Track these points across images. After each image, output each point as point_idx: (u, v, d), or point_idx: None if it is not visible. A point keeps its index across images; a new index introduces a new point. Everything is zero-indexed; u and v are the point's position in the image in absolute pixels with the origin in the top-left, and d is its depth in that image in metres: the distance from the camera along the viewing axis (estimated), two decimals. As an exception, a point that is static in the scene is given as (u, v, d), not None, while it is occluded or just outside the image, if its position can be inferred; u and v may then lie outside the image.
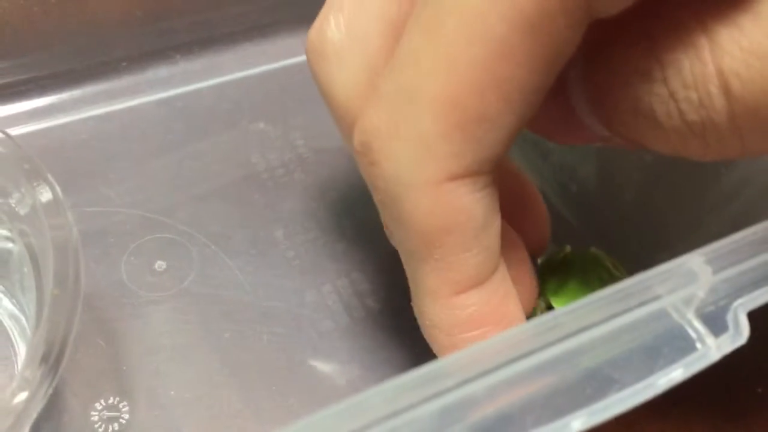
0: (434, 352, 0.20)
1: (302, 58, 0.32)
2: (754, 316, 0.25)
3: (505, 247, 0.20)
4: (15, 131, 0.29)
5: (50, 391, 0.17)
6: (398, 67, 0.16)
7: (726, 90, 0.14)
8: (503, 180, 0.22)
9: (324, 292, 0.26)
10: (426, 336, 0.20)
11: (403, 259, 0.19)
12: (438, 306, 0.19)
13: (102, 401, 0.23)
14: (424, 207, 0.17)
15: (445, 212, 0.17)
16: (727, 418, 0.24)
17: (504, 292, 0.19)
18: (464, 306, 0.18)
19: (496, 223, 0.18)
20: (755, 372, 0.25)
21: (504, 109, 0.16)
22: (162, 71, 0.31)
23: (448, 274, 0.18)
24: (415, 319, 0.20)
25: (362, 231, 0.28)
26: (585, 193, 0.28)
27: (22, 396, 0.16)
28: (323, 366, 0.25)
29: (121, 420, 0.23)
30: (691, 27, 0.14)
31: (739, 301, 0.16)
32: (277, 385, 0.24)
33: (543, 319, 0.14)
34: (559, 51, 0.15)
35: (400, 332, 0.26)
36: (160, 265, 0.26)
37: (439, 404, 0.13)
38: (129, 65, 0.31)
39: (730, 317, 0.15)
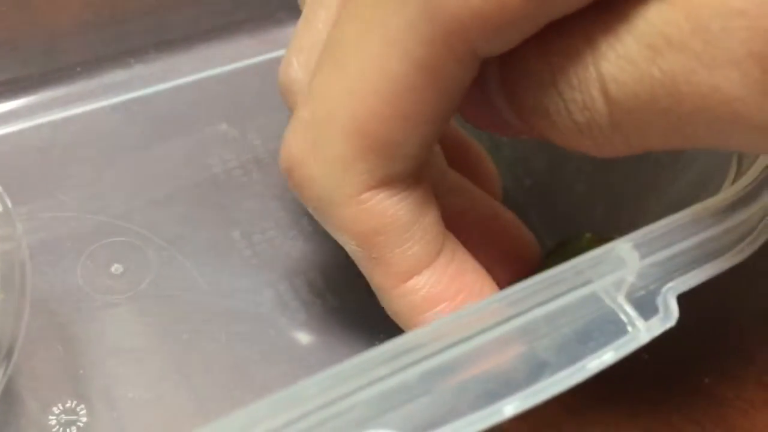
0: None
1: (259, 59, 0.33)
2: (697, 308, 0.26)
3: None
4: None
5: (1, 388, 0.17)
6: (312, 97, 0.18)
7: (605, 93, 0.15)
8: (449, 146, 0.24)
9: (281, 290, 0.26)
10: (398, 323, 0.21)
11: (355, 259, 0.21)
12: (391, 297, 0.20)
13: (59, 405, 0.23)
14: (349, 217, 0.19)
15: (369, 219, 0.19)
16: (674, 409, 0.24)
17: (455, 268, 0.20)
18: (414, 291, 0.20)
19: (429, 216, 0.19)
20: (702, 363, 0.25)
21: (410, 134, 0.17)
22: (117, 76, 0.31)
23: (389, 269, 0.19)
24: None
25: (319, 229, 0.28)
26: (538, 185, 0.28)
27: None
28: (281, 364, 0.25)
29: (78, 423, 0.23)
30: (577, 34, 0.15)
31: (669, 285, 0.16)
32: (236, 384, 0.24)
33: (475, 306, 0.15)
34: (457, 85, 0.16)
35: (359, 329, 0.26)
36: (116, 268, 0.26)
37: (369, 394, 0.13)
38: (84, 70, 0.31)
39: (660, 301, 0.16)
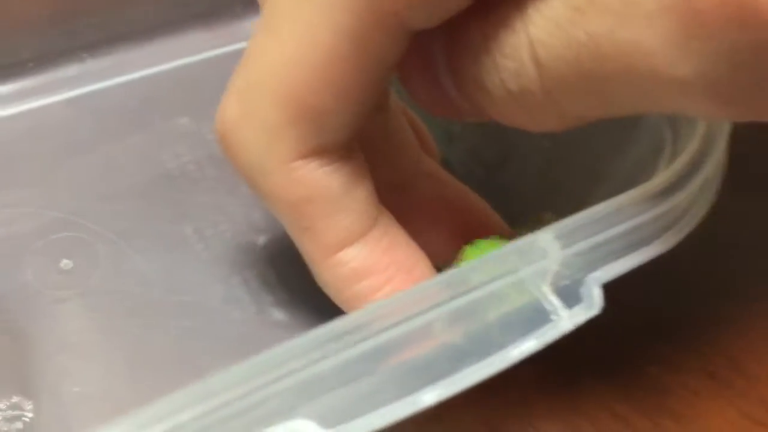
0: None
1: (212, 53, 0.33)
2: (643, 297, 0.26)
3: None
4: None
5: None
6: (246, 64, 0.18)
7: (535, 58, 0.15)
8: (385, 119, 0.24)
9: (233, 284, 0.26)
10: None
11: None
12: (321, 268, 0.20)
13: (5, 400, 0.23)
14: (280, 185, 0.19)
15: (299, 187, 0.19)
16: (620, 398, 0.25)
17: (388, 242, 0.20)
18: (344, 263, 0.20)
19: (361, 189, 0.20)
20: (647, 352, 0.26)
21: (341, 103, 0.17)
22: (70, 70, 0.31)
23: (320, 239, 0.20)
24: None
25: (271, 223, 0.28)
26: (490, 175, 0.29)
27: None
28: (232, 358, 0.25)
29: (24, 418, 0.23)
30: (509, 1, 0.15)
31: (594, 274, 0.16)
32: (185, 379, 0.24)
33: (397, 295, 0.15)
34: (386, 56, 0.17)
35: (309, 321, 0.26)
36: (66, 263, 0.26)
37: (286, 385, 0.13)
38: (36, 65, 0.31)
39: (584, 290, 0.16)
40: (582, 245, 0.16)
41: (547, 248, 0.15)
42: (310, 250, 0.20)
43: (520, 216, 0.28)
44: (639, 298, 0.26)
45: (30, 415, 0.23)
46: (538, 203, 0.27)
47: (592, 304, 0.16)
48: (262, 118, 0.18)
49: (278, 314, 0.26)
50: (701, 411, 0.25)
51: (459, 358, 0.15)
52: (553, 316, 0.16)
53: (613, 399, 0.25)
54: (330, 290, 0.21)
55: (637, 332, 0.26)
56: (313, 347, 0.14)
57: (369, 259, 0.20)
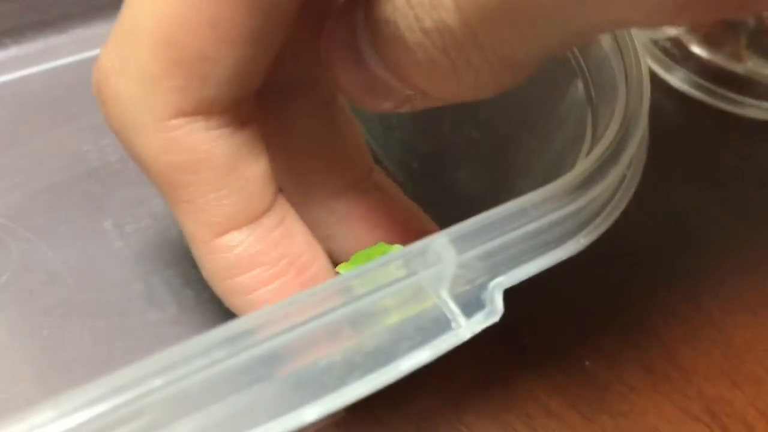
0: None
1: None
2: (577, 291, 0.26)
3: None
4: None
5: None
6: (124, 6, 0.16)
7: None
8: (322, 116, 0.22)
9: (152, 282, 0.25)
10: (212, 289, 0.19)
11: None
12: (203, 252, 0.18)
13: None
14: (156, 146, 0.17)
15: (179, 150, 0.17)
16: (553, 392, 0.24)
17: (282, 233, 0.19)
18: (228, 247, 0.18)
19: (252, 167, 0.18)
20: (583, 346, 0.25)
21: (224, 49, 0.16)
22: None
23: (202, 217, 0.18)
24: None
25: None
26: (425, 169, 0.28)
27: None
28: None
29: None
30: None
31: (497, 279, 0.15)
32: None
33: (283, 302, 0.14)
34: (274, 6, 0.15)
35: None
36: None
37: (153, 400, 0.13)
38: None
39: (486, 296, 0.15)
40: (481, 249, 0.15)
41: (441, 252, 0.14)
42: (191, 229, 0.18)
43: (445, 211, 0.27)
44: (573, 290, 0.26)
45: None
46: (468, 198, 0.27)
47: (493, 311, 0.15)
48: (139, 66, 0.16)
49: (200, 316, 0.25)
50: (636, 405, 0.24)
51: (345, 372, 0.14)
52: (452, 324, 0.15)
53: (547, 395, 0.24)
54: (210, 279, 0.19)
55: (572, 325, 0.25)
56: (184, 359, 0.13)
57: (256, 248, 0.18)
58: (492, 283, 0.15)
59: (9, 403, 0.23)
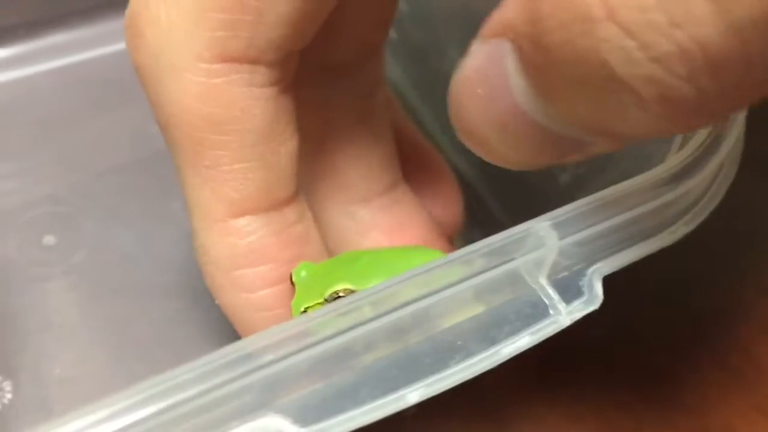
0: (214, 297, 0.18)
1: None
2: (649, 289, 0.25)
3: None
4: None
5: None
6: None
7: None
8: (408, 153, 0.21)
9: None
10: (205, 279, 0.17)
11: (179, 180, 0.17)
12: (213, 232, 0.16)
13: (-17, 381, 0.23)
14: (192, 91, 0.15)
15: (215, 101, 0.15)
16: (628, 390, 0.24)
17: (303, 231, 0.17)
18: (243, 233, 0.16)
19: (288, 143, 0.16)
20: (658, 344, 0.25)
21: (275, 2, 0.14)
22: (60, 38, 0.30)
23: (222, 189, 0.16)
24: None
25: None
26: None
27: None
28: (216, 343, 0.24)
29: (3, 400, 0.22)
30: None
31: (596, 266, 0.15)
32: (168, 363, 0.23)
33: (381, 285, 0.14)
34: None
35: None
36: (49, 239, 0.25)
37: (261, 377, 0.13)
38: (26, 32, 0.30)
39: (584, 282, 0.15)
40: (581, 235, 0.15)
41: (543, 237, 0.14)
42: (206, 200, 0.16)
43: (517, 209, 0.27)
44: (650, 288, 0.25)
45: (9, 395, 0.22)
46: (542, 196, 0.26)
47: (592, 298, 0.15)
48: None
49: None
50: (712, 403, 0.24)
51: (448, 354, 0.14)
52: (551, 310, 0.15)
53: (621, 390, 0.24)
54: (211, 266, 0.17)
55: (646, 319, 0.25)
56: (292, 338, 0.13)
57: (271, 241, 0.16)
58: (590, 270, 0.15)
59: (85, 380, 0.23)
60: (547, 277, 0.15)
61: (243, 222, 0.16)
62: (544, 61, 0.11)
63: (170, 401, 0.13)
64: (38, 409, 0.22)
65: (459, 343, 0.14)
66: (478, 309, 0.14)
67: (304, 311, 0.16)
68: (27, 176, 0.27)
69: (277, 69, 0.16)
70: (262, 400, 0.13)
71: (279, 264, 0.17)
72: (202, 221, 0.17)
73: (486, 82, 0.13)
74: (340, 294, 0.16)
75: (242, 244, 0.16)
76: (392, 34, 0.32)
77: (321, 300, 0.16)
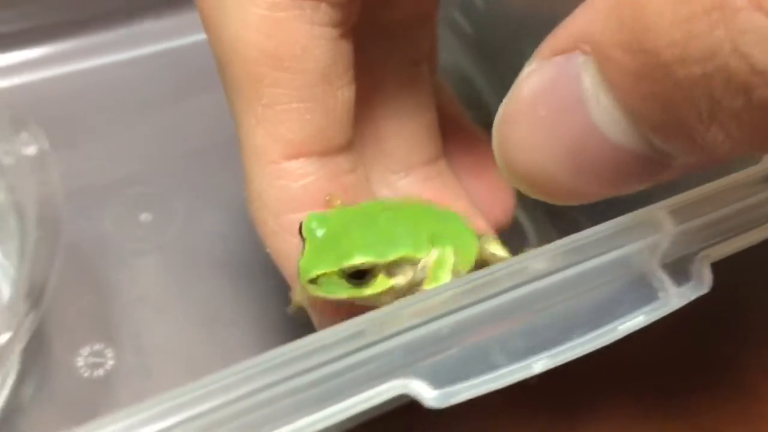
0: (265, 245, 0.17)
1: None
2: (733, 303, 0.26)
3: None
4: (21, 79, 0.29)
5: (33, 327, 0.18)
6: None
7: None
8: (455, 137, 0.21)
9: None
10: (257, 227, 0.17)
11: (235, 125, 0.17)
12: (266, 174, 0.16)
13: (88, 347, 0.24)
14: (254, 25, 0.15)
15: (278, 36, 0.15)
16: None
17: (356, 181, 0.17)
18: (296, 175, 0.16)
19: (345, 88, 0.16)
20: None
21: None
22: (149, 25, 0.31)
23: (278, 128, 0.16)
24: None
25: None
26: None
27: (7, 333, 0.17)
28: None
29: (105, 366, 0.24)
30: None
31: (705, 252, 0.16)
32: (262, 338, 0.25)
33: (512, 261, 0.15)
34: None
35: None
36: (146, 217, 0.27)
37: (398, 343, 0.14)
38: (118, 19, 0.31)
39: (693, 268, 0.16)
40: (695, 222, 0.15)
41: (661, 223, 0.15)
42: (260, 140, 0.16)
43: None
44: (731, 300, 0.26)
45: (111, 362, 0.24)
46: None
47: (701, 283, 0.15)
48: None
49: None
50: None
51: (569, 329, 0.15)
52: (660, 293, 0.15)
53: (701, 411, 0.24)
54: (264, 210, 0.16)
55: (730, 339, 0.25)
56: (429, 308, 0.14)
57: (325, 185, 0.16)
58: (700, 256, 0.16)
59: (181, 350, 0.24)
60: (660, 262, 0.15)
61: (296, 165, 0.16)
62: (644, 68, 0.10)
63: (321, 359, 0.13)
64: (137, 375, 0.23)
65: (579, 319, 0.15)
66: (596, 289, 0.15)
67: (316, 279, 0.16)
68: (119, 157, 0.28)
69: (340, 10, 0.16)
70: (402, 363, 0.14)
71: (321, 209, 0.16)
72: (255, 164, 0.16)
73: (552, 104, 0.11)
74: (359, 269, 0.16)
75: (295, 187, 0.16)
76: (467, 28, 0.33)
77: (336, 269, 0.16)
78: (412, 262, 0.17)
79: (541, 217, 0.28)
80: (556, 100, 0.11)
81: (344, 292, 0.16)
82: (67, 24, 0.30)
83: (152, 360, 0.24)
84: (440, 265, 0.17)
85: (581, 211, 0.28)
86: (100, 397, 0.23)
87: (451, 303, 0.14)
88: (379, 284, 0.16)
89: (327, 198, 0.17)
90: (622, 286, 0.15)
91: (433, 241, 0.17)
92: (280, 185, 0.16)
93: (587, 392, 0.24)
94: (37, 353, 0.23)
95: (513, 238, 0.29)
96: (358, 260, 0.16)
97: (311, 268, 0.16)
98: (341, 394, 0.13)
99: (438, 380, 0.14)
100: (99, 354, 0.24)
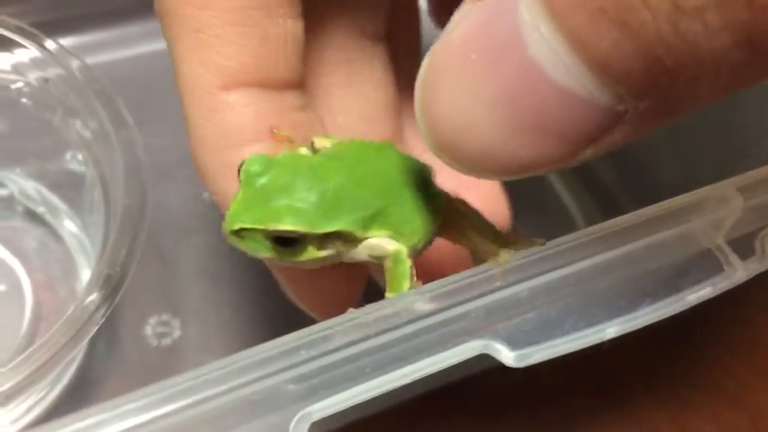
0: (208, 190, 0.16)
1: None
2: None
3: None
4: (91, 60, 0.30)
5: (109, 311, 0.18)
6: None
7: None
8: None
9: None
10: (197, 169, 0.16)
11: (170, 52, 0.15)
12: (202, 106, 0.15)
13: (156, 317, 0.25)
14: None
15: None
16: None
17: (307, 119, 0.15)
18: (237, 105, 0.14)
19: (290, 21, 0.15)
20: None
21: None
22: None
23: (211, 54, 0.14)
24: None
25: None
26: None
27: (83, 315, 0.18)
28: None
29: (174, 335, 0.25)
30: None
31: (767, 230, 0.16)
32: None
33: (586, 231, 0.15)
34: None
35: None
36: (207, 195, 0.27)
37: (478, 305, 0.14)
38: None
39: (757, 243, 0.16)
40: (762, 199, 0.16)
41: (730, 199, 0.16)
42: (194, 70, 0.14)
43: (637, 182, 0.28)
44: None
45: (178, 332, 0.25)
46: (659, 170, 0.28)
47: (765, 257, 0.16)
48: None
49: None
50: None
51: (639, 298, 0.15)
52: (725, 267, 0.16)
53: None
54: (202, 147, 0.15)
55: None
56: (506, 272, 0.15)
57: (268, 118, 0.14)
58: (764, 233, 0.16)
59: (236, 324, 0.25)
60: (726, 237, 0.16)
61: (236, 96, 0.15)
62: None
63: (411, 317, 0.14)
64: (202, 345, 0.24)
65: (649, 289, 0.15)
66: (664, 261, 0.16)
67: (239, 231, 0.15)
68: (183, 137, 0.29)
69: None
70: (483, 324, 0.14)
71: (266, 144, 0.15)
72: (190, 96, 0.15)
73: (486, 44, 0.10)
74: (283, 235, 0.14)
75: (233, 118, 0.15)
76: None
77: (261, 227, 0.15)
78: (348, 239, 0.15)
79: (588, 202, 0.29)
80: (491, 39, 0.10)
81: (267, 252, 0.15)
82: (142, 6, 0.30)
83: (215, 331, 0.25)
84: (400, 272, 0.15)
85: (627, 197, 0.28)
86: (169, 364, 0.24)
87: (530, 268, 0.15)
88: (307, 254, 0.15)
89: (273, 130, 0.15)
90: (689, 258, 0.16)
91: (382, 220, 0.15)
92: (218, 118, 0.15)
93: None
94: (108, 321, 0.24)
95: (558, 223, 0.30)
96: (286, 226, 0.14)
97: (235, 220, 0.15)
98: (427, 351, 0.14)
99: (516, 342, 0.15)
100: (166, 324, 0.25)
